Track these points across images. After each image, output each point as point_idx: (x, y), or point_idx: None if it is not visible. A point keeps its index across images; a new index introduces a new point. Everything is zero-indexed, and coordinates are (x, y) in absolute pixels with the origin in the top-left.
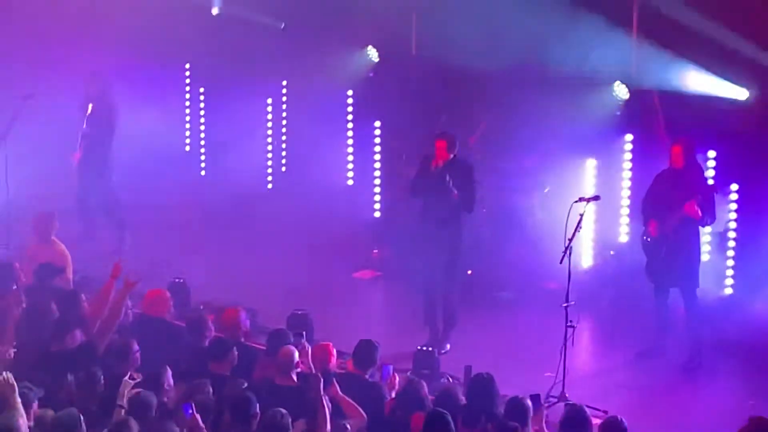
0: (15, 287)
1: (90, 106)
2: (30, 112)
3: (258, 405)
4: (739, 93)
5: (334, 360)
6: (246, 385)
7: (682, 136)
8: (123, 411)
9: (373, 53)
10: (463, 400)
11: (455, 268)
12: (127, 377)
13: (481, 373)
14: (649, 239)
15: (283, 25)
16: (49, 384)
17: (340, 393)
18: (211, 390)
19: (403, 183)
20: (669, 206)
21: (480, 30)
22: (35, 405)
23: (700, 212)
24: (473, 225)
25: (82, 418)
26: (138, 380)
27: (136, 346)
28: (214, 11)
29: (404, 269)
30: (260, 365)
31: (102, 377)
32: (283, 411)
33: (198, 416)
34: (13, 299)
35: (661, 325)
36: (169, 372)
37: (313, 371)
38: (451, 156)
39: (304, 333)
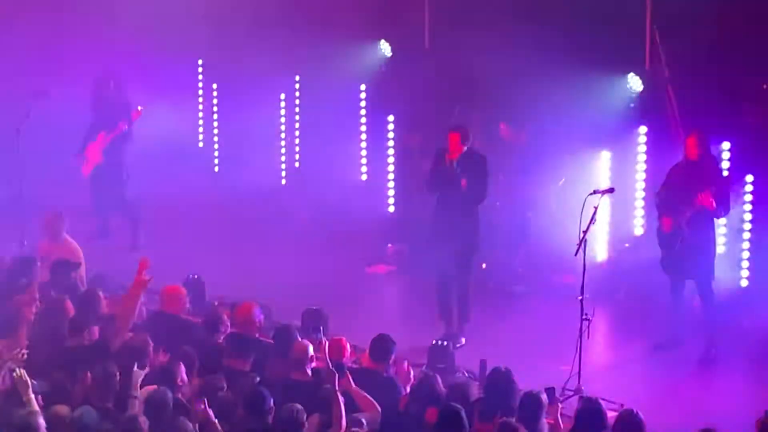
0: (30, 284)
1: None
2: (44, 108)
3: (272, 400)
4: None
5: (347, 354)
6: (260, 380)
7: (696, 127)
8: (137, 401)
9: (386, 47)
10: (475, 394)
11: (470, 261)
12: (135, 367)
13: (499, 368)
14: (663, 231)
15: None
16: (63, 380)
17: (354, 386)
18: (225, 386)
19: (418, 178)
20: (684, 198)
21: (493, 22)
22: (38, 398)
23: (714, 204)
24: (487, 219)
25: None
26: (147, 371)
27: (150, 342)
28: None
29: (419, 263)
30: (271, 361)
31: (118, 374)
32: (298, 406)
33: (210, 411)
34: (28, 297)
35: (676, 318)
36: (183, 367)
37: (329, 366)
38: (465, 148)
39: (321, 328)
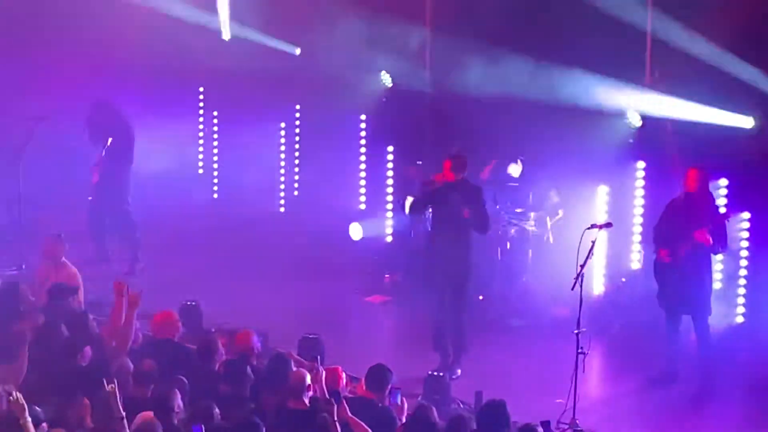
0: (31, 310)
1: (110, 139)
2: (44, 134)
3: (266, 428)
4: (745, 121)
5: (343, 384)
6: (257, 408)
7: (692, 164)
8: (125, 421)
9: (386, 78)
10: (474, 426)
11: (464, 292)
12: (108, 387)
13: (494, 399)
14: (660, 266)
15: (298, 50)
16: (59, 403)
17: (350, 414)
18: (218, 412)
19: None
20: (681, 234)
21: (493, 56)
22: (44, 426)
23: (711, 240)
24: (484, 250)
25: None
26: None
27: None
28: (226, 37)
29: (416, 294)
30: (268, 389)
31: (120, 399)
32: None
33: None
34: (30, 322)
35: (672, 352)
36: (179, 395)
37: (326, 395)
38: (459, 178)
39: (318, 357)
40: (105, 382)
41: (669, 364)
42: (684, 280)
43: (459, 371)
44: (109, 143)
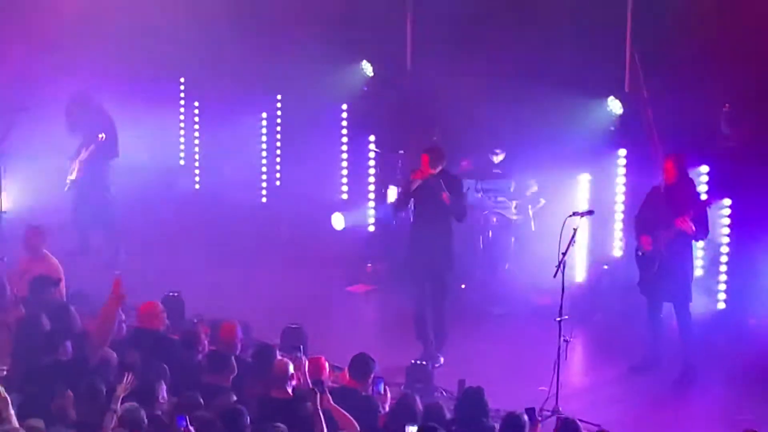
0: (14, 301)
1: (102, 135)
2: (25, 125)
3: (250, 417)
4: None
5: (326, 373)
6: (239, 397)
7: (674, 151)
8: (115, 416)
9: (367, 68)
10: (449, 414)
11: (446, 281)
12: (126, 379)
13: (471, 387)
14: (642, 254)
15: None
16: (40, 395)
17: (333, 404)
18: (202, 402)
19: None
20: (662, 221)
21: (474, 45)
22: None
23: (692, 227)
24: (466, 239)
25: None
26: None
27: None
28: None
29: (398, 283)
30: (251, 379)
31: (104, 390)
32: (281, 425)
33: (192, 429)
34: (13, 314)
35: (653, 340)
36: (164, 385)
37: (309, 385)
38: (438, 170)
39: (301, 347)
40: (125, 375)
41: (651, 351)
42: (665, 267)
43: (442, 359)
44: (101, 138)
